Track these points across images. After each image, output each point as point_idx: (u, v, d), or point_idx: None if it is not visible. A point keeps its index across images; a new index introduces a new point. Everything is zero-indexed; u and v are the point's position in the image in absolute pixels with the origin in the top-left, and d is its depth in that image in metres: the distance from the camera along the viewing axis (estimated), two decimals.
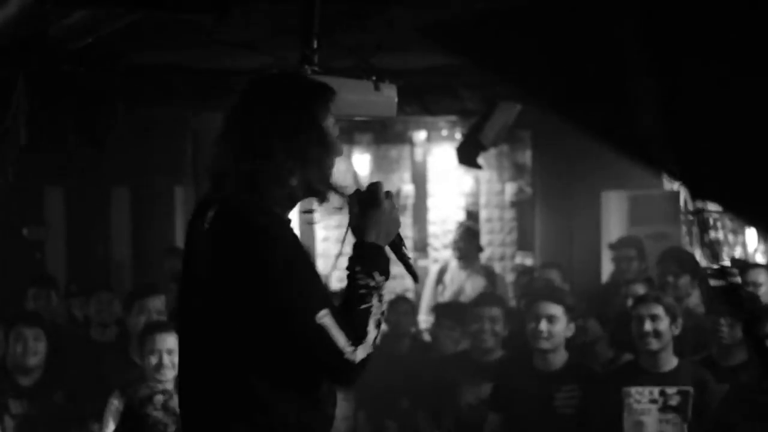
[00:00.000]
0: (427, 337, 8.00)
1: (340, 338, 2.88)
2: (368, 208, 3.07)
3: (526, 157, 10.57)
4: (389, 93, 4.20)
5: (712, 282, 7.61)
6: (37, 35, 4.42)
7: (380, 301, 2.98)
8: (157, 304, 6.43)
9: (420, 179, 10.46)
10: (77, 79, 5.68)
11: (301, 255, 2.96)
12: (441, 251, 10.33)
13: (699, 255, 9.69)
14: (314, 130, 3.01)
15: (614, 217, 9.55)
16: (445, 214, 10.46)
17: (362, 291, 2.97)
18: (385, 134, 10.11)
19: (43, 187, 9.02)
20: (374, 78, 4.08)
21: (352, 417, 6.73)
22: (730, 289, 6.28)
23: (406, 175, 10.33)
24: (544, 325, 5.83)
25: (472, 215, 10.56)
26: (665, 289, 6.74)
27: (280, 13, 4.50)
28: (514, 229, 10.66)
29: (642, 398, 5.56)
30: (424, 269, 10.26)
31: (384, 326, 6.52)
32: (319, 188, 3.04)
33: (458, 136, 9.96)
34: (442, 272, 9.23)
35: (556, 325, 5.84)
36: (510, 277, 10.19)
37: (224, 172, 2.99)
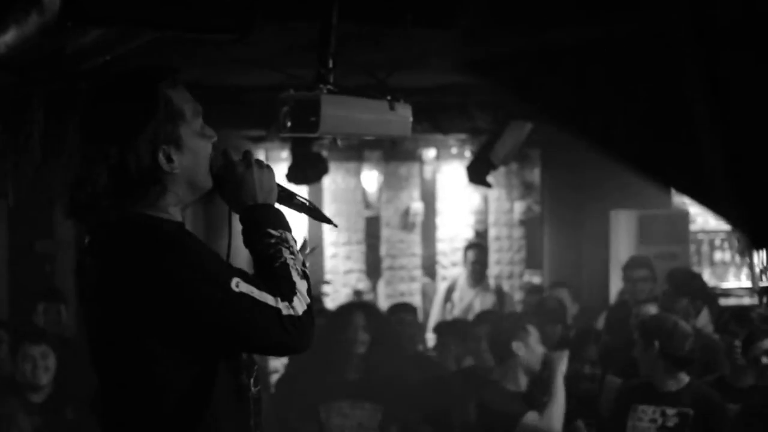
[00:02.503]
0: (432, 354, 8.02)
1: (268, 297, 2.56)
2: (228, 177, 2.75)
3: (535, 175, 10.60)
4: (404, 113, 4.20)
5: (722, 302, 7.62)
6: (54, 53, 4.42)
7: (292, 253, 2.68)
8: None
9: (429, 197, 10.47)
10: None
11: (184, 249, 2.62)
12: (449, 269, 10.33)
13: (707, 275, 9.71)
14: (170, 113, 2.66)
15: (623, 237, 9.54)
16: (453, 232, 10.46)
17: (270, 251, 2.67)
18: (394, 152, 10.11)
19: (54, 203, 9.04)
20: (389, 98, 4.08)
21: (377, 428, 6.70)
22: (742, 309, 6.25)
23: (415, 193, 10.34)
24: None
25: (481, 233, 10.57)
26: (670, 310, 6.75)
27: (295, 32, 4.52)
28: (523, 247, 10.68)
29: (644, 416, 5.56)
30: (432, 287, 10.28)
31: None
32: (198, 178, 2.72)
33: (467, 154, 9.97)
34: (450, 290, 9.23)
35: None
36: (518, 296, 10.21)
37: (85, 183, 2.71)
